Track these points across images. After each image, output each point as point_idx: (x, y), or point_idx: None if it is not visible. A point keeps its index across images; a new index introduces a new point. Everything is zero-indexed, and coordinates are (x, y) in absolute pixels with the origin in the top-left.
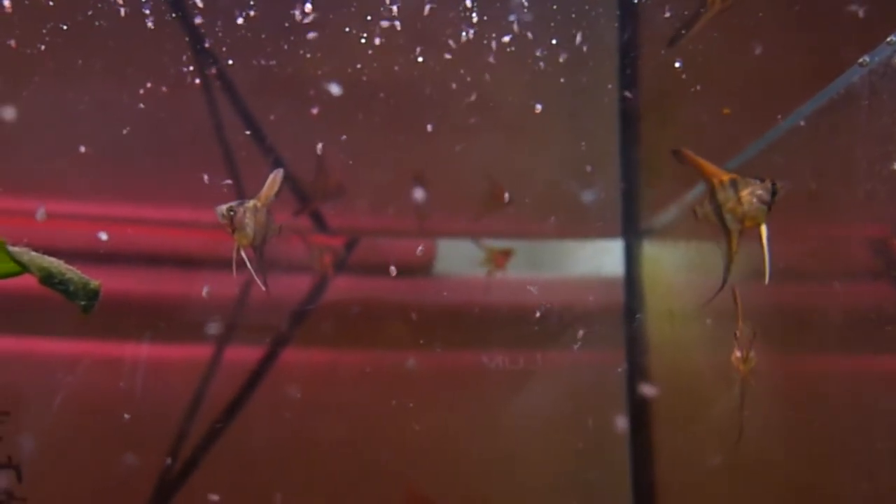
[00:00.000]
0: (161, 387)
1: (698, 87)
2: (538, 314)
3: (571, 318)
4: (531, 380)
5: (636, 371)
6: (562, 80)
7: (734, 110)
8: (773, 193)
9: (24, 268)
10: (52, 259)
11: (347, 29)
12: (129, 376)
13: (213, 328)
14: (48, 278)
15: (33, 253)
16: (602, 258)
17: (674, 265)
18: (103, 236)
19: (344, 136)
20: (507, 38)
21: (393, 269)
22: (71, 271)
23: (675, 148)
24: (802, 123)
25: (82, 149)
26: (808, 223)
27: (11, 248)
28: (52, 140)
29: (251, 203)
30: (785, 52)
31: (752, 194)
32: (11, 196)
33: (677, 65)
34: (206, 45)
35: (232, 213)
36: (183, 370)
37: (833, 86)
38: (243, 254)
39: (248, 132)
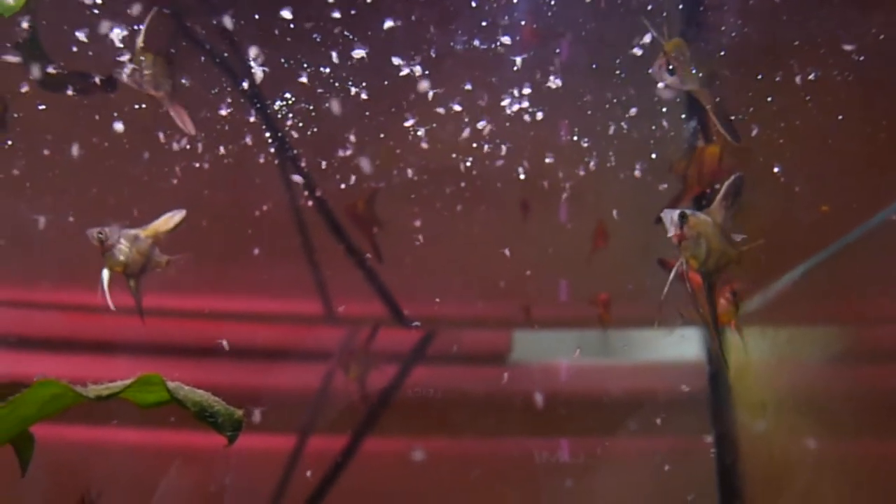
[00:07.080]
0: (246, 478)
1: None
2: (617, 402)
3: (654, 407)
4: (611, 470)
5: (726, 462)
6: (638, 178)
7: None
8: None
9: (179, 403)
10: (202, 392)
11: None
12: (219, 472)
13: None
14: (201, 412)
15: (186, 388)
16: (681, 346)
17: (761, 353)
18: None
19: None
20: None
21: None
22: (218, 403)
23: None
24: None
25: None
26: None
27: (169, 384)
28: None
29: (133, 232)
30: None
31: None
32: (80, 290)
33: None
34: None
35: (101, 235)
36: (266, 461)
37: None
38: (104, 275)
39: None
